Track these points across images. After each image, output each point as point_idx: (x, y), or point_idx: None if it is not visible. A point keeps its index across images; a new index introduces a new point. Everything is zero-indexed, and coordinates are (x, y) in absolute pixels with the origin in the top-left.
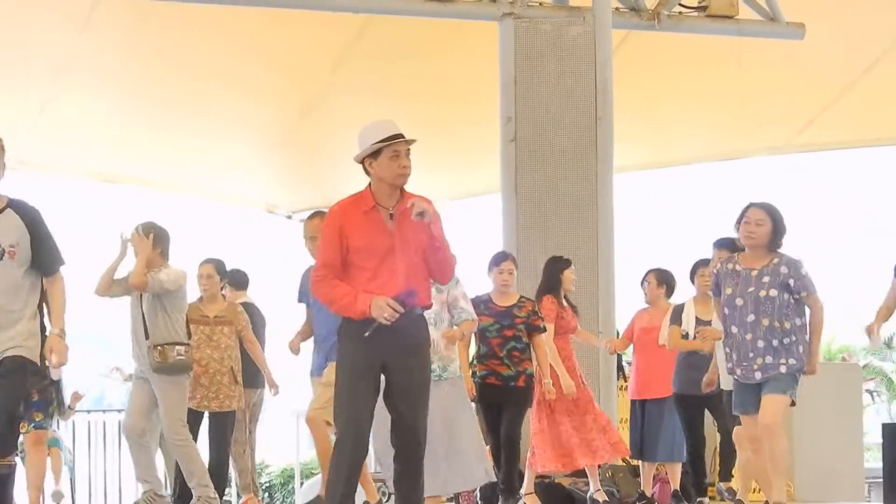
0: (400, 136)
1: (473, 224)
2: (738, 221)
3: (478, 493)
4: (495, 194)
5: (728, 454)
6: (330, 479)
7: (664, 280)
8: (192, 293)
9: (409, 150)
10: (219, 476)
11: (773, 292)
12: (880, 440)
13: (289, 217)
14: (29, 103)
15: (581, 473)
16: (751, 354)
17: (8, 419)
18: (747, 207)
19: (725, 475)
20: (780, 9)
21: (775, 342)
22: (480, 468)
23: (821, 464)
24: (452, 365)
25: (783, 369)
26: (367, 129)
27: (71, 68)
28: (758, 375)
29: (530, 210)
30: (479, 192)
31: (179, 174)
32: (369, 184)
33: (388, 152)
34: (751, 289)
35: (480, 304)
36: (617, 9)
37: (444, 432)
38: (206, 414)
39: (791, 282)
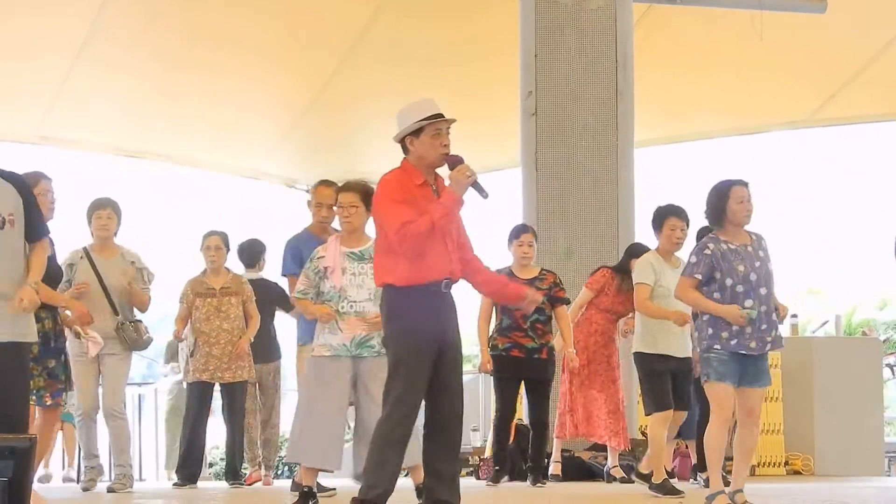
0: (441, 115)
1: (493, 198)
2: (725, 199)
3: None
4: (515, 169)
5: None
6: (382, 451)
7: None
8: (196, 266)
9: (449, 128)
10: (234, 447)
11: (769, 265)
12: None
13: (308, 191)
14: (50, 79)
15: (600, 448)
16: (764, 326)
17: (23, 403)
18: (735, 184)
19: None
20: None
21: (773, 314)
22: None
23: (841, 438)
24: None
25: (776, 334)
26: (408, 108)
27: (92, 44)
28: (768, 347)
29: (550, 184)
30: (498, 167)
31: (199, 149)
32: (407, 161)
33: (430, 130)
34: (757, 263)
35: None
36: None
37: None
38: (217, 386)
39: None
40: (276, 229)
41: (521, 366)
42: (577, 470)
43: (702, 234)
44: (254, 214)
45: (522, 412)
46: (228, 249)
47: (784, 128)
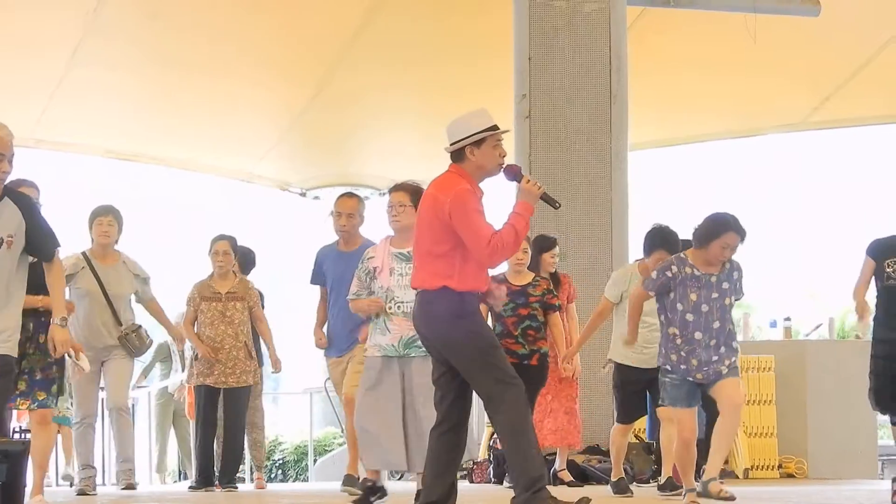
0: (497, 126)
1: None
2: (711, 238)
3: (490, 470)
4: None
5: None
6: (517, 441)
7: None
8: (204, 270)
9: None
10: (234, 451)
11: (729, 300)
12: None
13: (302, 194)
14: (44, 81)
15: (594, 451)
16: (714, 358)
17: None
18: (731, 230)
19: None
20: None
21: (734, 343)
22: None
23: (834, 442)
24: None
25: (729, 367)
26: (464, 118)
27: (86, 46)
28: (723, 370)
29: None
30: None
31: (193, 152)
32: (459, 170)
33: (491, 141)
34: (714, 295)
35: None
36: None
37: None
38: (222, 391)
39: (738, 285)
40: (269, 232)
41: None
42: (571, 474)
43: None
44: (247, 217)
45: None
46: (237, 254)
47: (778, 131)
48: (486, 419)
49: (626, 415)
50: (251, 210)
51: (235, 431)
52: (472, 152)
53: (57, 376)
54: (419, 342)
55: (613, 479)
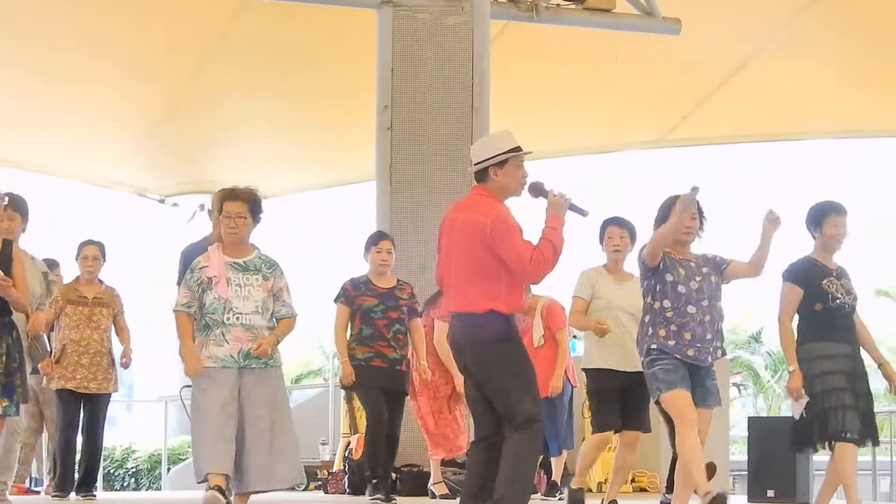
0: (520, 147)
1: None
2: (665, 211)
3: (345, 481)
4: (370, 182)
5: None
6: (524, 469)
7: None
8: (71, 272)
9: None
10: (92, 458)
11: (714, 278)
12: (746, 433)
13: (161, 201)
14: None
15: (450, 463)
16: (708, 336)
17: None
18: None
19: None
20: (657, 4)
21: (721, 325)
22: (297, 468)
23: None
24: (278, 353)
25: (719, 353)
26: (488, 139)
27: None
28: (709, 359)
29: (404, 198)
30: (354, 180)
31: (51, 156)
32: (485, 191)
33: (514, 162)
34: (698, 276)
35: (361, 285)
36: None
37: (269, 424)
38: (83, 396)
39: (717, 258)
40: (126, 237)
41: (384, 376)
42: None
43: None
44: (105, 223)
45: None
46: (105, 260)
47: (638, 147)
48: (341, 430)
49: (600, 422)
50: (109, 215)
51: (95, 439)
52: (495, 173)
53: (19, 384)
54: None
55: (573, 486)
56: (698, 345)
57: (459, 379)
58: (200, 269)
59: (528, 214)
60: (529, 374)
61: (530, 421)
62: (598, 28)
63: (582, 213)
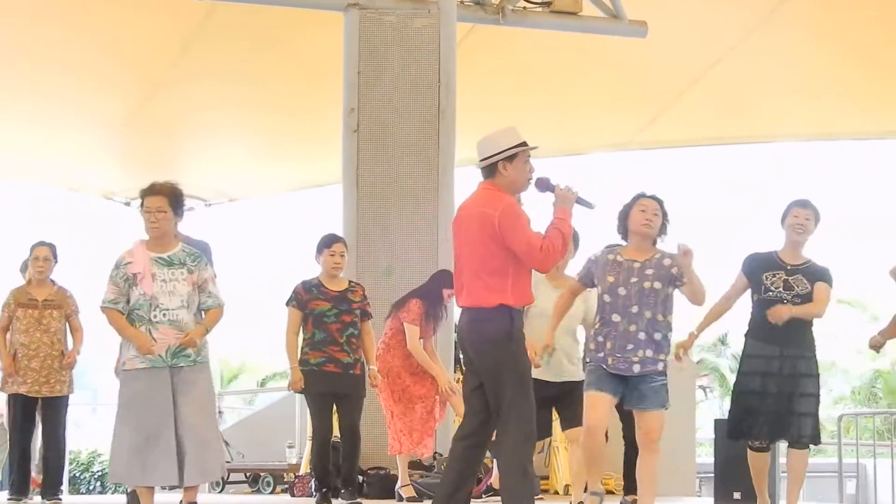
0: (526, 142)
1: (314, 215)
2: (629, 209)
3: (313, 483)
4: (336, 185)
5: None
6: (519, 472)
7: None
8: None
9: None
10: (56, 461)
11: (658, 284)
12: (712, 436)
13: (127, 204)
14: None
15: (417, 465)
16: (630, 346)
17: None
18: (639, 197)
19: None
20: (623, 7)
21: (657, 335)
22: (220, 461)
23: None
24: (206, 349)
25: (661, 366)
26: (495, 135)
27: None
28: (636, 368)
29: (371, 201)
30: (320, 183)
31: (15, 159)
32: (494, 185)
33: (522, 157)
34: (634, 279)
35: (312, 288)
36: (462, 2)
37: (202, 419)
38: (39, 400)
39: (675, 271)
40: (92, 241)
41: (337, 381)
42: (390, 489)
43: None
44: (71, 226)
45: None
46: (56, 261)
47: (606, 149)
48: (308, 433)
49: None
50: (75, 219)
51: (55, 442)
52: (504, 167)
53: None
54: (186, 350)
55: None
56: (618, 354)
57: (443, 380)
58: (125, 264)
59: (532, 211)
60: (527, 376)
61: (522, 423)
62: (564, 31)
63: (589, 205)
